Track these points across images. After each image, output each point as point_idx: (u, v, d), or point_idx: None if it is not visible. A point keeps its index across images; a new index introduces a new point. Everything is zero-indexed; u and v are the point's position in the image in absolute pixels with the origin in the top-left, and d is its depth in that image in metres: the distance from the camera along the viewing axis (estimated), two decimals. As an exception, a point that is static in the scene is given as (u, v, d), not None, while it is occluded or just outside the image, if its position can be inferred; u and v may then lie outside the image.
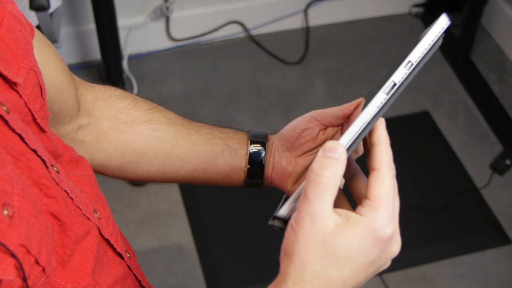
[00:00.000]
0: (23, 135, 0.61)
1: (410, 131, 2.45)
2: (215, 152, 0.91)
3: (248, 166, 0.89)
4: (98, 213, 0.73)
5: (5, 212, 0.52)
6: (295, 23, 2.76)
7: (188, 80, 2.56)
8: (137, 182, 2.20)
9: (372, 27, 2.79)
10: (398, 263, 2.07)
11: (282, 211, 0.62)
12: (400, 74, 0.59)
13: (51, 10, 1.89)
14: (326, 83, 2.57)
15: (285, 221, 0.62)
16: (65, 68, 0.84)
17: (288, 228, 0.59)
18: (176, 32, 2.65)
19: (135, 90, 2.47)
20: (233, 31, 2.71)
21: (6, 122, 0.60)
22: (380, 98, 0.60)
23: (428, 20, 2.83)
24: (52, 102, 0.80)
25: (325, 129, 0.84)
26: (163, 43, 2.66)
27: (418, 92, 2.55)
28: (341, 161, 0.58)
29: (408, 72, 0.59)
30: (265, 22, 2.72)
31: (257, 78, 2.59)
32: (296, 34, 2.76)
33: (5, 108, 0.60)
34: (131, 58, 2.60)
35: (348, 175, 0.67)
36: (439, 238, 2.14)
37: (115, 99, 0.92)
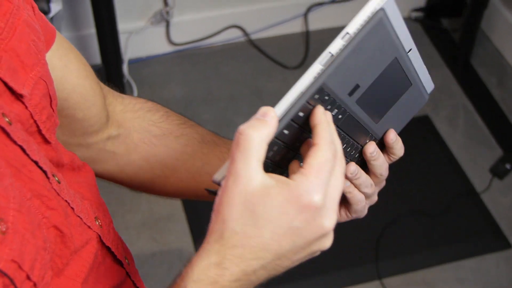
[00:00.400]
0: (25, 146, 0.61)
1: (410, 135, 2.45)
2: None
3: None
4: (99, 221, 0.73)
5: None
6: (295, 27, 2.77)
7: (188, 84, 2.57)
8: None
9: (372, 32, 2.79)
10: (398, 268, 2.08)
11: (217, 175, 0.61)
12: (337, 45, 0.58)
13: (51, 14, 1.89)
14: (326, 87, 2.58)
15: (218, 184, 0.61)
16: (89, 74, 0.82)
17: (219, 188, 0.59)
18: (176, 37, 2.65)
19: (135, 94, 2.48)
20: (233, 35, 2.72)
21: (7, 134, 0.59)
22: (316, 68, 0.58)
23: (428, 24, 2.83)
24: (74, 108, 0.79)
25: None
26: (163, 48, 2.67)
27: (418, 96, 2.55)
28: (270, 124, 0.57)
29: (344, 43, 0.57)
30: (265, 27, 2.72)
31: (257, 82, 2.59)
32: (296, 38, 2.76)
33: (7, 120, 0.60)
34: (131, 62, 2.60)
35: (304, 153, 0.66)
36: (439, 242, 2.14)
37: (146, 111, 0.90)
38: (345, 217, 0.82)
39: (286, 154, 0.63)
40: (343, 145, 0.69)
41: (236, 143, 0.57)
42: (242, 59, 2.67)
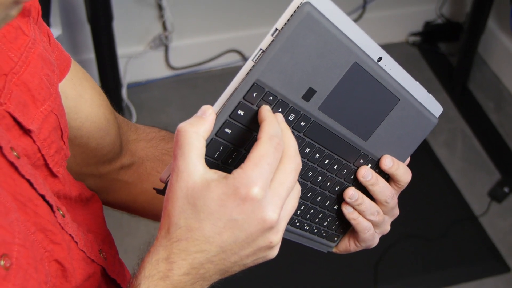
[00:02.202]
0: (32, 180, 0.61)
1: (408, 159, 2.45)
2: None
3: None
4: (104, 253, 0.73)
5: (2, 263, 0.52)
6: (293, 52, 2.78)
7: (187, 109, 2.57)
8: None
9: (369, 56, 2.80)
10: (397, 292, 2.07)
11: (163, 174, 0.62)
12: (267, 41, 0.58)
13: (51, 39, 1.90)
14: (324, 111, 2.58)
15: (165, 183, 0.63)
16: (103, 103, 0.83)
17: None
18: (175, 61, 2.66)
19: (134, 118, 2.48)
20: (232, 59, 2.73)
21: (16, 168, 0.60)
22: (248, 65, 0.59)
23: (425, 49, 2.85)
24: (88, 137, 0.79)
25: None
26: (162, 72, 2.68)
27: (416, 120, 2.56)
28: (207, 120, 0.58)
29: (273, 38, 0.57)
30: (264, 51, 2.73)
31: (255, 106, 2.59)
32: (294, 62, 2.77)
33: (15, 154, 0.60)
34: (130, 86, 2.61)
35: None
36: (438, 266, 2.14)
37: (159, 140, 0.91)
38: (354, 246, 0.81)
39: (237, 155, 0.63)
40: (321, 158, 0.68)
41: (176, 141, 0.57)
42: (240, 83, 2.68)
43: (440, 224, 2.23)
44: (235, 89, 0.60)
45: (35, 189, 0.61)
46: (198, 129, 0.57)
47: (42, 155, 0.66)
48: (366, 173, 0.72)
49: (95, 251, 0.71)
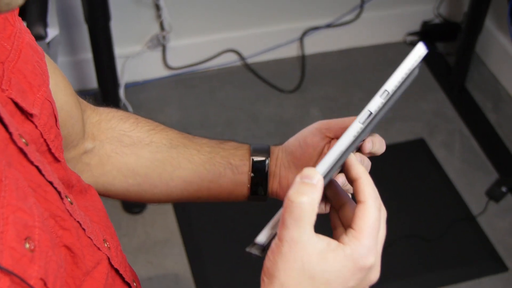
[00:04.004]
0: (41, 167, 0.62)
1: (406, 159, 2.45)
2: (218, 171, 0.91)
3: (249, 185, 0.90)
4: (107, 243, 0.74)
5: (27, 245, 0.53)
6: (291, 51, 2.78)
7: (184, 109, 2.57)
8: (134, 210, 2.20)
9: (367, 56, 2.80)
10: (395, 292, 2.07)
11: (261, 238, 0.63)
12: (376, 103, 0.60)
13: (48, 39, 1.90)
14: (322, 111, 2.58)
15: (263, 248, 0.63)
16: (72, 91, 0.84)
17: (269, 252, 0.60)
18: (173, 61, 2.66)
19: (132, 118, 2.48)
20: (229, 59, 2.73)
21: (25, 155, 0.60)
22: (356, 127, 0.61)
23: (423, 48, 2.84)
24: (61, 126, 0.80)
25: (330, 142, 0.85)
26: (160, 72, 2.68)
27: (414, 121, 2.56)
28: (318, 187, 0.58)
29: (383, 101, 0.59)
30: (261, 51, 2.74)
31: (253, 106, 2.59)
32: (292, 62, 2.77)
33: (24, 140, 0.61)
34: (128, 86, 2.61)
35: (338, 204, 0.68)
36: (436, 266, 2.14)
37: (118, 120, 0.92)
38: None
39: None
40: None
41: (289, 211, 0.58)
42: (238, 83, 2.68)
43: (438, 224, 2.23)
44: (342, 152, 0.61)
45: (43, 175, 0.62)
46: (312, 199, 0.58)
47: (45, 140, 0.67)
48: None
49: (100, 240, 0.71)
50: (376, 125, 0.61)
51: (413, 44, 2.85)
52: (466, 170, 2.42)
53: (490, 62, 2.80)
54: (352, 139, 0.60)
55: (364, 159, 0.76)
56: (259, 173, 0.89)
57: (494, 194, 2.32)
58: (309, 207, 0.58)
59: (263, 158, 0.89)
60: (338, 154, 0.61)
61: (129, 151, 0.91)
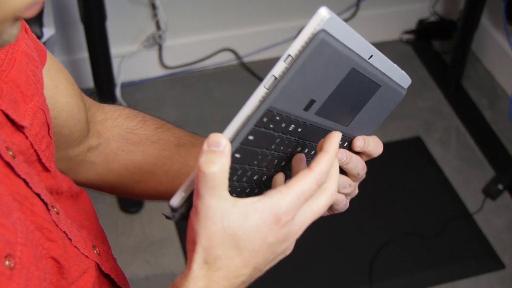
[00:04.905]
0: (28, 179, 0.61)
1: (403, 156, 2.46)
2: None
3: None
4: (97, 249, 0.73)
5: (7, 263, 0.52)
6: (287, 50, 2.78)
7: (181, 108, 2.57)
8: (131, 209, 2.20)
9: (363, 54, 2.80)
10: (392, 289, 2.08)
11: (173, 201, 0.63)
12: (279, 68, 0.58)
13: (44, 38, 1.90)
14: (319, 110, 2.58)
15: (174, 210, 0.64)
16: (76, 92, 0.84)
17: (189, 222, 0.62)
18: (169, 60, 2.66)
19: (128, 118, 2.48)
20: (226, 58, 2.73)
21: (11, 168, 0.60)
22: (261, 91, 0.59)
23: (419, 46, 2.85)
24: (62, 126, 0.80)
25: None
26: (156, 71, 2.68)
27: (410, 118, 2.57)
28: (225, 153, 0.58)
29: (287, 65, 0.57)
30: (258, 50, 2.74)
31: (250, 105, 2.59)
32: (288, 61, 2.77)
33: (11, 153, 0.60)
34: (124, 86, 2.61)
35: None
36: (432, 263, 2.14)
37: (124, 118, 0.92)
38: (327, 213, 0.83)
39: (242, 173, 0.64)
40: (304, 151, 0.70)
41: (202, 181, 0.58)
42: (234, 82, 2.68)
43: (435, 222, 2.24)
44: (248, 116, 0.60)
45: (30, 188, 0.62)
46: (222, 166, 0.57)
47: (35, 151, 0.67)
48: (341, 156, 0.73)
49: (88, 247, 0.71)
50: (288, 95, 0.59)
51: (409, 43, 2.85)
52: (462, 168, 2.43)
53: (486, 59, 2.80)
54: (257, 103, 0.59)
55: (351, 158, 0.75)
56: None
57: (490, 192, 2.33)
58: (221, 175, 0.57)
59: None
60: (244, 118, 0.60)
61: (136, 148, 0.91)
